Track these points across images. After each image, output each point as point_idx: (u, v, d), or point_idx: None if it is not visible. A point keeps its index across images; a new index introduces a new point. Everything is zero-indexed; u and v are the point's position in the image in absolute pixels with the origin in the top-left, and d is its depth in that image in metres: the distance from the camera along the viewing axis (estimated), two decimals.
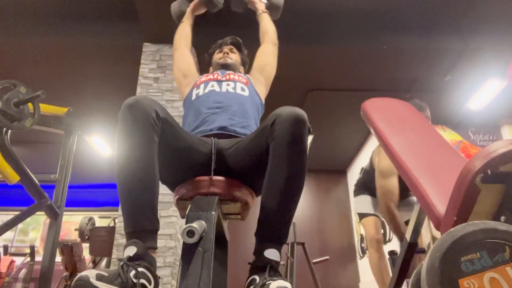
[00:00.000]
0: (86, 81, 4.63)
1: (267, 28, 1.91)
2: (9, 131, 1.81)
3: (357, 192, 2.88)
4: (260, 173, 1.15)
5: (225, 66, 1.75)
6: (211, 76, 1.65)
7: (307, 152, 1.12)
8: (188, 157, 1.25)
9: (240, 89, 1.59)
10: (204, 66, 1.99)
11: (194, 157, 1.26)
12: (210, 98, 1.52)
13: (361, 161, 5.97)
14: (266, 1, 2.01)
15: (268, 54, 1.83)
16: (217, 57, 1.81)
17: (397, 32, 3.96)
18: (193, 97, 1.58)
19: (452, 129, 5.33)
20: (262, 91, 1.72)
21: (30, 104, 1.81)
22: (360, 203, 2.83)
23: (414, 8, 3.74)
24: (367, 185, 2.77)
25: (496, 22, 3.84)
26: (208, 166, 1.24)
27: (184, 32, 1.92)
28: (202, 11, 2.04)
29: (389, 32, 3.95)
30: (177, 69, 1.82)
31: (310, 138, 5.71)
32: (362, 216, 2.77)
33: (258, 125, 1.56)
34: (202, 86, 1.60)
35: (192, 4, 2.01)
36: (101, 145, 5.87)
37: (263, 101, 1.72)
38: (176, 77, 1.81)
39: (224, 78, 1.63)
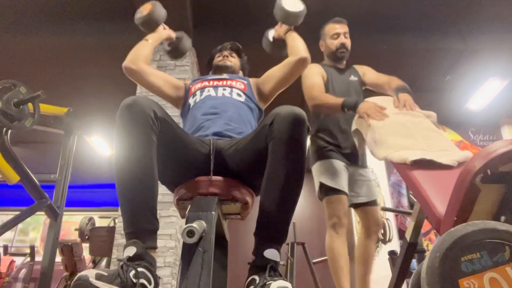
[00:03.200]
0: (86, 81, 4.63)
1: (292, 47, 1.69)
2: (9, 131, 1.81)
3: (318, 157, 2.15)
4: (260, 173, 1.15)
5: (224, 68, 1.75)
6: (206, 83, 1.63)
7: (306, 151, 1.12)
8: (187, 157, 1.25)
9: (236, 95, 1.57)
10: (204, 71, 1.97)
11: (193, 157, 1.25)
12: (205, 103, 1.52)
13: None
14: (281, 12, 1.75)
15: (285, 66, 1.64)
16: (217, 60, 1.80)
17: (397, 32, 3.95)
18: (191, 105, 1.57)
19: (452, 129, 5.32)
20: (261, 100, 1.68)
21: (30, 104, 1.81)
22: (324, 170, 2.06)
23: (414, 8, 3.74)
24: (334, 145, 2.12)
25: (496, 22, 3.84)
26: (207, 166, 1.24)
27: (146, 54, 1.73)
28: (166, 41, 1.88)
29: (389, 32, 3.95)
30: (166, 86, 1.66)
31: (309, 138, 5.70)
32: (328, 190, 2.00)
33: None
34: (198, 93, 1.59)
35: (166, 34, 1.83)
36: (101, 145, 5.87)
37: (262, 108, 1.68)
38: (168, 96, 1.67)
39: (220, 83, 1.61)
